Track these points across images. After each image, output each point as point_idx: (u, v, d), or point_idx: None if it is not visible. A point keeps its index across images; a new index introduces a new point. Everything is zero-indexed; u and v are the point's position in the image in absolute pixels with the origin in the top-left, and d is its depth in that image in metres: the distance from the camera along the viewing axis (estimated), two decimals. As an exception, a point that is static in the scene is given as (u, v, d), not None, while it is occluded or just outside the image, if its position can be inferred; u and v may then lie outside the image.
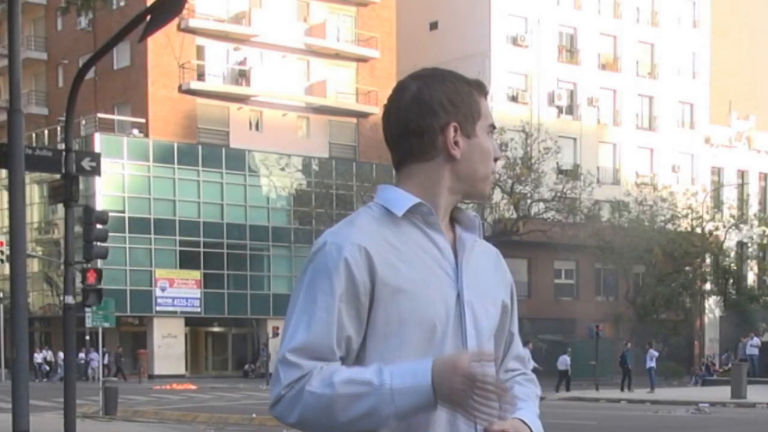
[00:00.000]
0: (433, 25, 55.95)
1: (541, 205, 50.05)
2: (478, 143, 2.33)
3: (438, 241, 2.31)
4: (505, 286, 2.48)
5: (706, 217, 54.79)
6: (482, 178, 2.35)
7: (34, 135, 47.18)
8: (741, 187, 61.44)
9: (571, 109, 56.68)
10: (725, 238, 55.26)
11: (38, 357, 46.56)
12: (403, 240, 2.27)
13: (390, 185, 2.37)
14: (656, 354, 40.24)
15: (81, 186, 18.15)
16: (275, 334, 43.14)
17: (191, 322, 49.49)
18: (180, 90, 47.90)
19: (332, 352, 2.19)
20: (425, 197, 2.30)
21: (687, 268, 53.35)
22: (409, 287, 2.23)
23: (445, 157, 2.31)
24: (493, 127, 2.39)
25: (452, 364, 2.12)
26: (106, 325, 32.50)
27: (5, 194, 18.80)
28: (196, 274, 48.15)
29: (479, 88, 2.38)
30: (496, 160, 2.38)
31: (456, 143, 2.31)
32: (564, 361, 39.91)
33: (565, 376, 39.82)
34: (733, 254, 57.46)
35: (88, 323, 31.73)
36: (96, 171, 16.62)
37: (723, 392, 32.45)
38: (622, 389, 38.17)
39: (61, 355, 42.92)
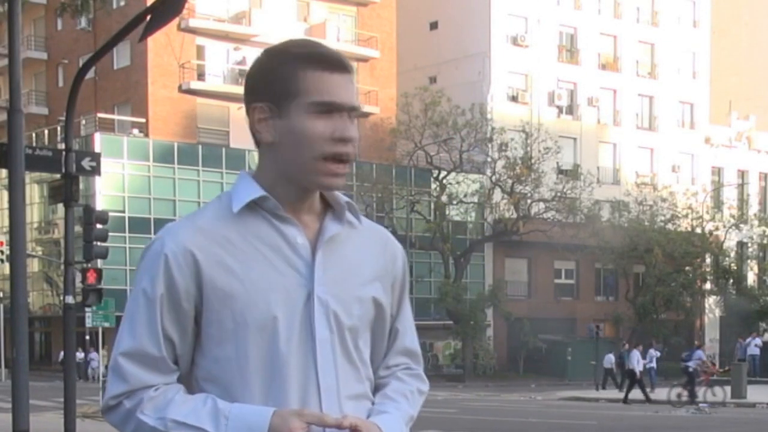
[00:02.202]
0: (433, 25, 55.94)
1: (541, 205, 50.03)
2: (292, 125, 2.08)
3: (288, 234, 2.11)
4: (386, 278, 2.23)
5: (706, 217, 54.81)
6: (303, 164, 2.08)
7: (34, 135, 47.14)
8: (741, 187, 61.45)
9: (571, 109, 56.67)
10: (725, 238, 55.26)
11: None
12: (246, 236, 2.09)
13: (245, 172, 2.20)
14: (657, 354, 40.27)
15: (81, 186, 18.16)
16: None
17: (191, 322, 49.48)
18: (180, 90, 47.88)
19: (161, 359, 2.07)
20: (266, 186, 2.12)
21: (687, 268, 53.34)
22: (242, 289, 2.06)
23: (264, 142, 2.14)
24: (324, 105, 2.07)
25: (288, 427, 2.00)
26: (106, 325, 32.47)
27: (5, 194, 18.78)
28: (196, 274, 48.13)
29: (309, 59, 2.08)
30: (342, 141, 2.08)
31: (265, 126, 2.12)
32: (609, 360, 40.10)
33: (611, 374, 39.93)
34: (733, 254, 57.47)
35: (88, 323, 31.71)
36: (96, 171, 16.63)
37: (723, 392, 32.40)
38: (619, 389, 38.19)
39: (93, 355, 43.02)
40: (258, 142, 2.18)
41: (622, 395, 35.95)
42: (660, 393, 33.02)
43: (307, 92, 2.07)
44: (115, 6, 45.88)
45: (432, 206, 50.29)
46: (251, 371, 2.07)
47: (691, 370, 30.46)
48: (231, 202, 2.13)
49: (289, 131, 2.09)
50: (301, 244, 2.12)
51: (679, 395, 30.14)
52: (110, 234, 19.88)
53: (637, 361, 32.56)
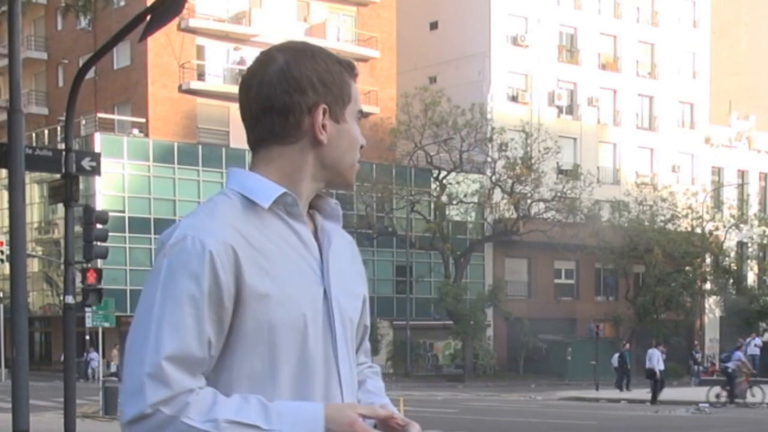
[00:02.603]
0: (433, 25, 55.95)
1: (541, 205, 50.06)
2: (346, 129, 2.18)
3: (302, 233, 2.13)
4: (362, 277, 2.31)
5: (706, 217, 54.83)
6: (348, 166, 2.20)
7: (34, 135, 47.16)
8: (741, 187, 61.48)
9: (571, 109, 56.69)
10: (725, 238, 55.28)
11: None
12: (268, 234, 2.08)
13: (243, 170, 2.18)
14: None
15: (81, 186, 18.16)
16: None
17: (191, 322, 49.44)
18: (180, 90, 47.90)
19: (203, 362, 1.99)
20: (286, 184, 2.12)
21: (687, 268, 53.38)
22: (276, 288, 2.04)
23: (311, 141, 2.14)
24: (361, 113, 2.25)
25: (349, 421, 2.00)
26: (106, 325, 32.59)
27: (5, 194, 18.79)
28: (196, 274, 48.10)
29: (350, 69, 2.20)
30: (361, 147, 2.24)
31: (324, 127, 2.13)
32: (616, 360, 40.17)
33: (618, 372, 40.03)
34: (733, 254, 57.48)
35: (88, 323, 31.80)
36: (96, 171, 16.64)
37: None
38: (620, 389, 38.26)
39: (93, 355, 43.00)
40: (281, 138, 2.14)
41: (622, 395, 36.04)
42: (694, 393, 32.97)
43: (355, 100, 2.21)
44: (115, 6, 45.86)
45: (432, 206, 50.30)
46: (281, 369, 2.06)
47: (730, 370, 30.56)
48: (243, 200, 2.10)
49: (343, 135, 2.18)
50: (311, 242, 2.15)
51: (718, 395, 30.20)
52: (110, 234, 19.87)
53: (657, 361, 32.52)
